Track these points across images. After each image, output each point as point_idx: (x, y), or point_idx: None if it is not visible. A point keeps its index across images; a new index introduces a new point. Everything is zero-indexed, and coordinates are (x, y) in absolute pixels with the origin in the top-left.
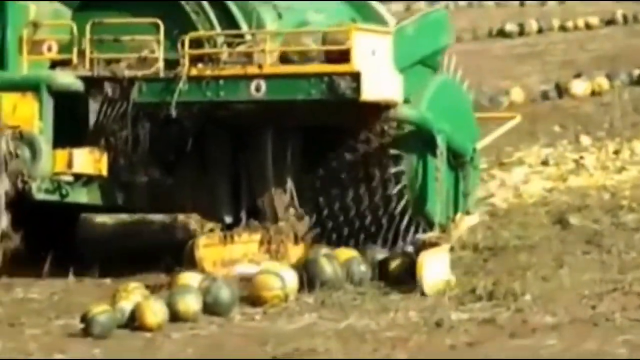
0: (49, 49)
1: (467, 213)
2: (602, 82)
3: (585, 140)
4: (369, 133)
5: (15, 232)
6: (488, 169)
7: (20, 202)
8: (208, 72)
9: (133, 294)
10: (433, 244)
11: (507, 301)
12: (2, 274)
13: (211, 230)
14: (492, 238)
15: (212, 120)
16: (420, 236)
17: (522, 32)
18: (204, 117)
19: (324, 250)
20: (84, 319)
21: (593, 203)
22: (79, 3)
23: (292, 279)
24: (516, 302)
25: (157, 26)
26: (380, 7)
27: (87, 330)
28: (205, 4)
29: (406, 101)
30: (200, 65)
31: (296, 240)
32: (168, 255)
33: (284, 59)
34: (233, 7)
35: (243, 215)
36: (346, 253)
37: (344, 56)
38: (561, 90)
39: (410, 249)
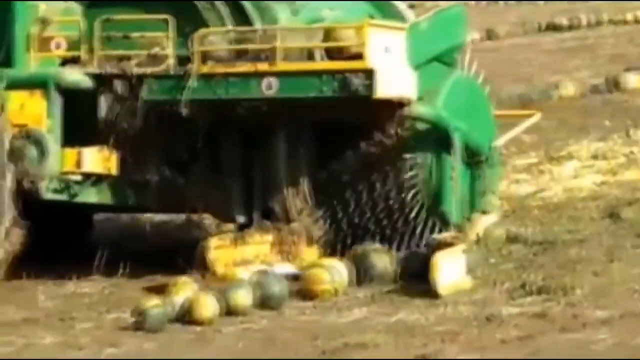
0: (58, 46)
1: (484, 212)
2: None
3: (635, 134)
4: (383, 131)
5: (20, 229)
6: (538, 163)
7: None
8: (219, 70)
9: (184, 288)
10: (448, 245)
11: (557, 295)
12: (51, 270)
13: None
14: (542, 232)
15: (224, 118)
16: (436, 236)
17: (571, 26)
18: (216, 115)
19: (375, 245)
20: (136, 312)
21: None
22: (91, 1)
23: (342, 273)
24: (567, 296)
25: (167, 23)
26: (400, 4)
27: (139, 324)
28: (218, 2)
29: (421, 99)
30: (210, 62)
31: (309, 241)
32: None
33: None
34: (246, 5)
35: (256, 215)
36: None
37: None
38: (611, 84)
39: (424, 249)
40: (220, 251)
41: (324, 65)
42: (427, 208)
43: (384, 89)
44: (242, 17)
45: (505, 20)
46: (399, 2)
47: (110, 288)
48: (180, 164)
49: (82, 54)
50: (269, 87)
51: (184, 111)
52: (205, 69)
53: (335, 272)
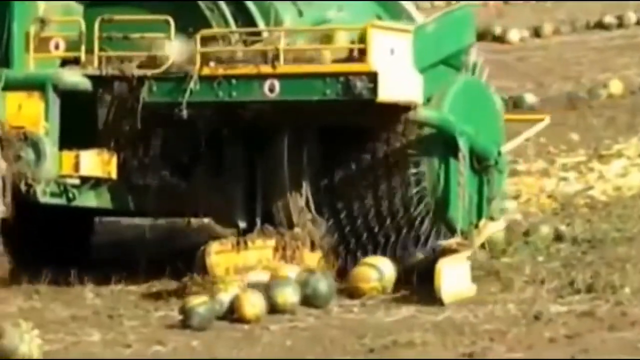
0: (57, 47)
1: (492, 219)
2: None
3: None
4: (388, 135)
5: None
6: (586, 161)
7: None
8: (220, 72)
9: (231, 285)
10: (453, 251)
11: (606, 294)
12: (96, 269)
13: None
14: (590, 230)
15: (227, 121)
16: (441, 242)
17: (620, 24)
18: (218, 118)
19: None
20: (183, 310)
21: None
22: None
23: (389, 271)
24: (615, 294)
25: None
26: (409, 5)
27: (186, 321)
28: (221, 1)
29: (427, 102)
30: (212, 64)
31: (312, 247)
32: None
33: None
34: (250, 5)
35: (258, 220)
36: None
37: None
38: None
39: (423, 255)
40: (221, 256)
41: (327, 67)
42: (432, 213)
43: (388, 92)
44: (245, 18)
45: (553, 18)
46: (408, 2)
47: (159, 286)
48: (182, 168)
49: (82, 54)
50: (272, 90)
51: (185, 113)
52: (206, 71)
53: (382, 270)
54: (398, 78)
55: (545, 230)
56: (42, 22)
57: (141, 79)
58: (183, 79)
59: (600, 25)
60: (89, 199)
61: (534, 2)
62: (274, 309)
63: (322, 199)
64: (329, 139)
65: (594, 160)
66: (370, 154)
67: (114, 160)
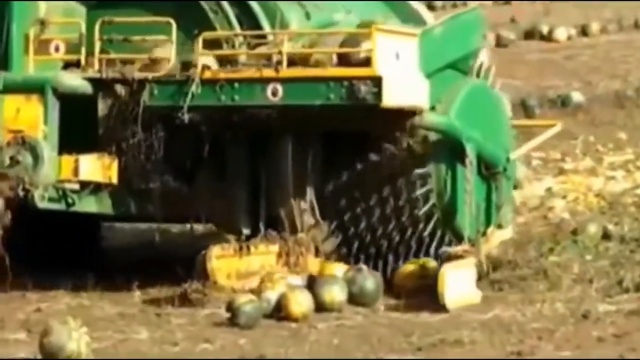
0: (57, 49)
1: (500, 227)
2: None
3: None
4: (393, 141)
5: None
6: (634, 160)
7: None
8: (222, 75)
9: (278, 283)
10: (458, 257)
11: None
12: (142, 269)
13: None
14: (638, 229)
15: (230, 125)
16: (447, 249)
17: None
18: (221, 122)
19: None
20: (230, 308)
21: None
22: (94, 2)
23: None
24: None
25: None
26: (419, 7)
27: (233, 320)
28: (225, 3)
29: (433, 108)
30: (214, 67)
31: (316, 252)
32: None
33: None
34: (255, 6)
35: (262, 225)
36: None
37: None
38: None
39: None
40: (223, 261)
41: (330, 71)
42: (440, 221)
43: (393, 97)
44: (249, 20)
45: (600, 16)
46: (418, 4)
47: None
48: (184, 173)
49: (82, 57)
50: (274, 94)
51: (186, 117)
52: (209, 74)
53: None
54: (403, 83)
55: (593, 228)
56: (42, 23)
57: (142, 82)
58: (185, 83)
59: None
60: (89, 204)
61: (578, 0)
62: (320, 307)
63: (327, 204)
64: (334, 145)
65: None
66: (375, 160)
67: (115, 164)
